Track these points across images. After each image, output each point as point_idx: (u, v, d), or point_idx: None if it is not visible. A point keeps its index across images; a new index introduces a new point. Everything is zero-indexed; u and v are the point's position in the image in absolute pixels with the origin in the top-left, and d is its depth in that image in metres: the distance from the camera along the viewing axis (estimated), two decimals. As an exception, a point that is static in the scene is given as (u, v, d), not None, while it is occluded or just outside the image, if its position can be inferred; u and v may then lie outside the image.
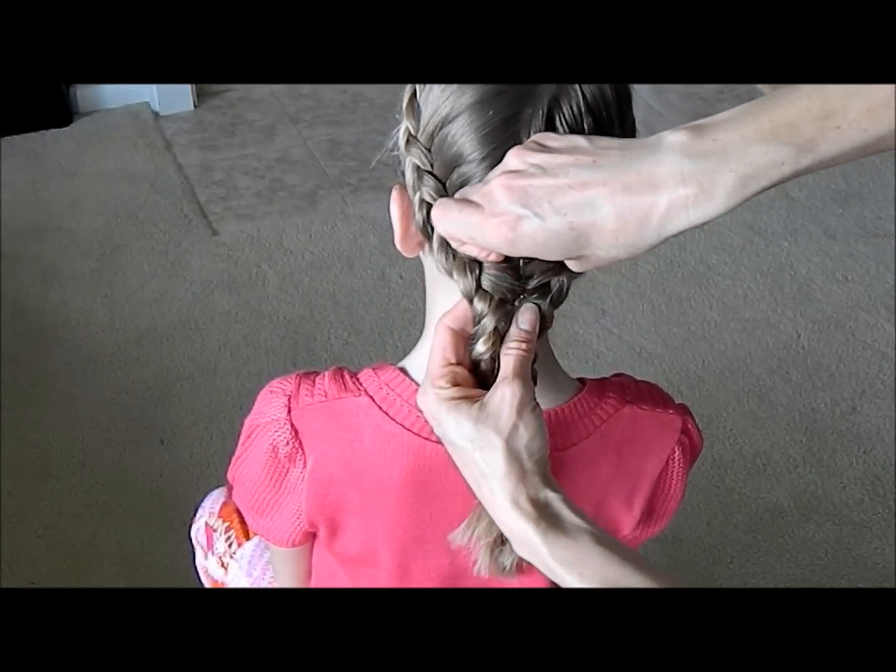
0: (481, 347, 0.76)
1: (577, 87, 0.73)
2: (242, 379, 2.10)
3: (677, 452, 0.93)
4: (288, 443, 0.87)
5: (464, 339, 0.76)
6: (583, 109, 0.73)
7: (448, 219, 0.72)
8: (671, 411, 0.91)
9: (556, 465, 0.84)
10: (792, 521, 1.89)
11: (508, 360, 0.75)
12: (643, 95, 2.88)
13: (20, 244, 2.41)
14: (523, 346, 0.75)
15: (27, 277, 2.34)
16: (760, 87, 3.03)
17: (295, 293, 2.31)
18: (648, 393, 0.91)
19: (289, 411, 0.87)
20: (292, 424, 0.87)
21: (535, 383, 0.77)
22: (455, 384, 0.74)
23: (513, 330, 0.76)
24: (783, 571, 1.81)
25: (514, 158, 0.70)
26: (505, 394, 0.72)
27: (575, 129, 0.73)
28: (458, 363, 0.76)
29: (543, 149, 0.69)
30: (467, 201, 0.71)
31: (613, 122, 0.75)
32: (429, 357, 0.76)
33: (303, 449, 0.87)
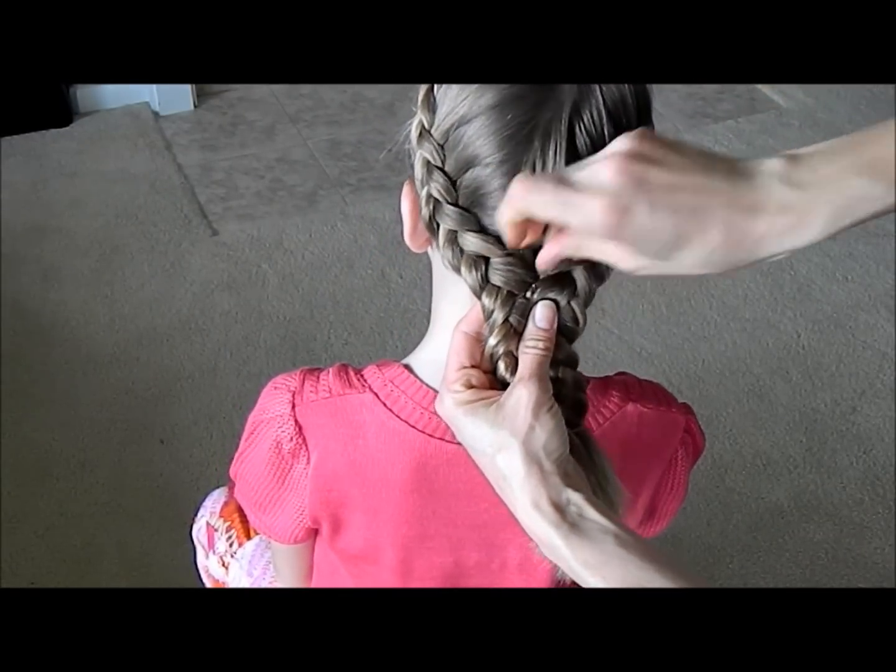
0: (493, 341, 0.75)
1: (597, 93, 0.73)
2: (242, 379, 2.10)
3: (680, 452, 0.93)
4: (292, 439, 0.87)
5: (479, 342, 0.76)
6: (603, 116, 0.73)
7: (538, 192, 0.68)
8: (674, 410, 0.91)
9: None
10: (792, 521, 1.89)
11: (525, 359, 0.74)
12: (643, 95, 2.85)
13: (20, 244, 2.41)
14: (540, 344, 0.74)
15: (27, 277, 2.34)
16: (760, 87, 3.03)
17: (295, 293, 2.31)
18: (652, 392, 0.91)
19: (293, 407, 0.87)
20: (296, 420, 0.87)
21: (573, 371, 0.76)
22: (470, 387, 0.74)
23: (529, 328, 0.75)
24: (783, 571, 1.81)
25: (629, 142, 0.67)
26: (521, 395, 0.72)
27: (594, 135, 0.73)
28: (475, 366, 0.75)
29: (658, 143, 0.68)
30: (562, 179, 0.68)
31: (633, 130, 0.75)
32: (445, 363, 0.76)
33: (306, 445, 0.87)
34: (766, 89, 3.01)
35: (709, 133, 2.77)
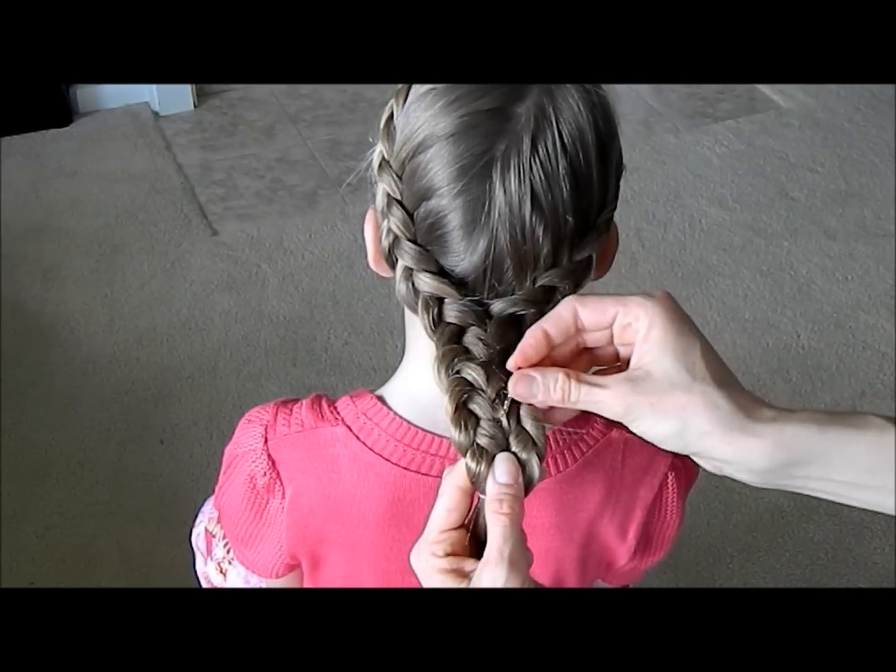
0: (441, 374, 0.72)
1: (554, 126, 0.71)
2: (242, 379, 2.10)
3: (671, 478, 0.89)
4: (265, 473, 0.86)
5: (470, 498, 0.71)
6: (558, 150, 0.71)
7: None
8: None
9: (542, 494, 0.82)
10: (792, 521, 1.89)
11: (494, 532, 0.67)
12: (643, 95, 2.88)
13: (20, 244, 2.41)
14: (504, 507, 0.67)
15: (27, 277, 2.34)
16: (760, 87, 3.03)
17: (295, 293, 2.31)
18: None
19: (265, 441, 0.86)
20: (269, 455, 0.86)
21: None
22: (451, 552, 0.70)
23: (489, 487, 0.68)
24: (783, 571, 1.81)
25: None
26: (493, 581, 0.66)
27: (549, 168, 0.71)
28: (460, 527, 0.70)
29: None
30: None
31: (592, 165, 0.73)
32: (433, 511, 0.71)
33: (281, 480, 0.86)
34: (766, 89, 3.01)
35: (709, 133, 2.77)
